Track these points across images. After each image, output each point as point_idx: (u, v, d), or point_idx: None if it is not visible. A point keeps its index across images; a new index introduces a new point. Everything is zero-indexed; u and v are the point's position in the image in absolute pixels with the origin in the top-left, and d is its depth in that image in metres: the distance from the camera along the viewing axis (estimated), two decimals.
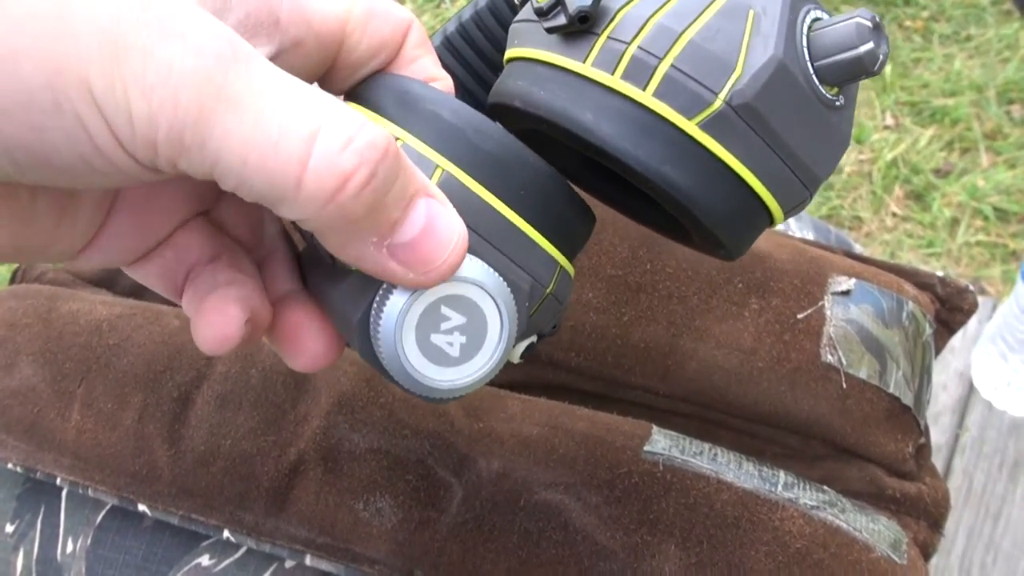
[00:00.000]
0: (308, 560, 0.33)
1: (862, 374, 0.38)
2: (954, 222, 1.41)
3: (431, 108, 0.22)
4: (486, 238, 0.21)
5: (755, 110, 0.22)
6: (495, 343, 0.22)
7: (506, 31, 0.28)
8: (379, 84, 0.23)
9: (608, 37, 0.22)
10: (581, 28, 0.22)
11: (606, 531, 0.31)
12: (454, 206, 0.20)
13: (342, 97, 0.24)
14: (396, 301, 0.20)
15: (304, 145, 0.17)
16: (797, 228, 0.59)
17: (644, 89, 0.22)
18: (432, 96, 0.22)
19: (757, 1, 0.22)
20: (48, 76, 0.16)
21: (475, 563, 0.32)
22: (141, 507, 0.35)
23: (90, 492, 0.36)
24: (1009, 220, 1.40)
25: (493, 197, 0.21)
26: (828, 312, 0.39)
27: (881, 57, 0.22)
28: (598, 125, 0.22)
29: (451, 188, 0.21)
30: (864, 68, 0.22)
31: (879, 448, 0.38)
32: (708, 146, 0.22)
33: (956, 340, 0.66)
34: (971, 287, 0.44)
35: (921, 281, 0.44)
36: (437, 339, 0.21)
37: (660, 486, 0.32)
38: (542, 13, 0.23)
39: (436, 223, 0.19)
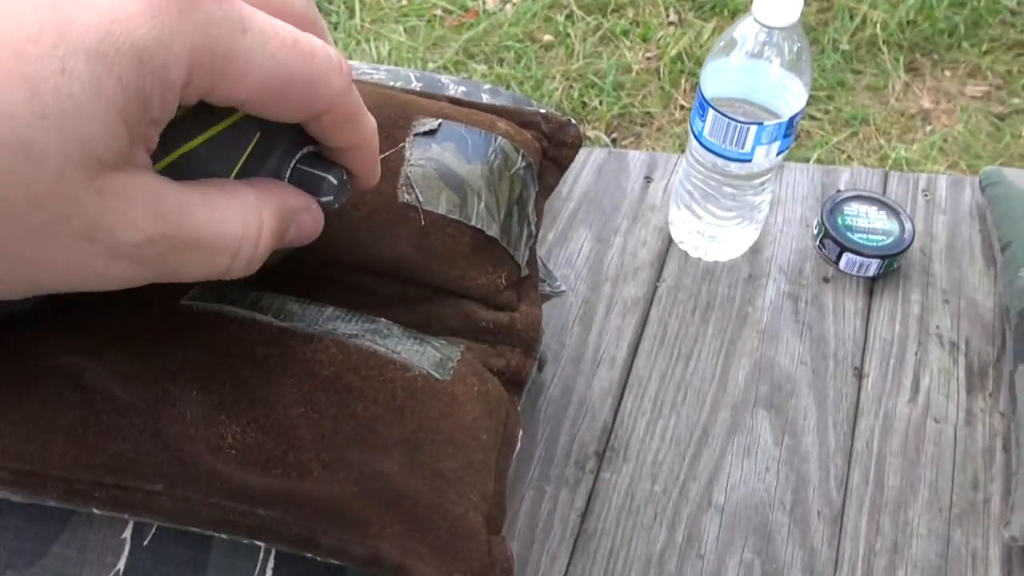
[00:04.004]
0: None
1: (441, 209, 0.38)
2: None
3: None
4: None
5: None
6: None
7: None
8: None
9: None
10: None
11: (125, 387, 0.30)
12: None
13: None
14: None
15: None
16: (491, 99, 0.59)
17: None
18: None
19: (268, 130, 0.27)
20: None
21: None
22: None
23: None
24: None
25: None
26: (408, 153, 0.39)
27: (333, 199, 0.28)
28: None
29: None
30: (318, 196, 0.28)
31: (470, 282, 0.38)
32: None
33: (656, 198, 0.68)
34: (572, 121, 0.44)
35: (525, 120, 0.43)
36: None
37: (186, 335, 0.31)
38: None
39: None
